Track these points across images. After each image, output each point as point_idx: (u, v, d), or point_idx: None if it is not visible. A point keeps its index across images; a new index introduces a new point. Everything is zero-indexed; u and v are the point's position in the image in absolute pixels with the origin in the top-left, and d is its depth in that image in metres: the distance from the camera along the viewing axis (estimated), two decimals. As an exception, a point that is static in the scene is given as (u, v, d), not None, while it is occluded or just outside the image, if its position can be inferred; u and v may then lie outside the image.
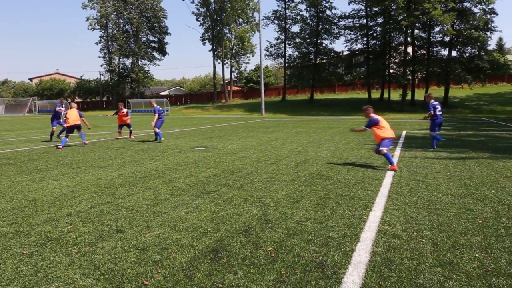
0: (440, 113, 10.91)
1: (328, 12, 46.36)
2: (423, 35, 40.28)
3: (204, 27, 58.07)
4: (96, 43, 76.55)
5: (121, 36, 62.17)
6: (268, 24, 74.59)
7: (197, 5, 56.59)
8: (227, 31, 57.15)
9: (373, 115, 7.93)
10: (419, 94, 39.15)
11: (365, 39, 42.79)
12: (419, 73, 41.86)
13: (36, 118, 42.67)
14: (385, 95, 43.70)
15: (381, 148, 7.71)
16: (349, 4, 79.74)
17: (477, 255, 3.45)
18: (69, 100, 67.60)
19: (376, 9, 40.98)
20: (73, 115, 12.12)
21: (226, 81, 60.47)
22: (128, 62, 66.38)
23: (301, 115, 37.59)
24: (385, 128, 7.77)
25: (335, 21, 46.04)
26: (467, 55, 38.36)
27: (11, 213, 4.81)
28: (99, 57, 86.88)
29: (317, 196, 5.58)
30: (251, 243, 3.76)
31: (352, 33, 43.52)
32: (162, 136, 13.53)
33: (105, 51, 64.61)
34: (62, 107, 14.86)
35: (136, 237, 3.95)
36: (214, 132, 17.68)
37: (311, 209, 4.89)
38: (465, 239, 3.84)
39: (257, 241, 3.82)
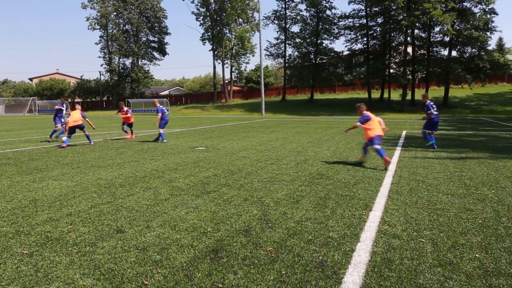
0: (436, 113, 11.17)
1: (328, 12, 46.46)
2: (423, 35, 40.27)
3: (204, 27, 58.14)
4: (96, 43, 76.77)
5: (121, 36, 62.22)
6: (268, 24, 74.82)
7: (197, 5, 56.72)
8: (227, 31, 57.19)
9: (365, 112, 8.34)
10: (419, 94, 39.00)
11: (365, 39, 42.75)
12: (419, 73, 41.87)
13: (36, 118, 42.64)
14: (385, 95, 43.73)
15: (374, 146, 8.11)
16: (349, 4, 79.71)
17: (477, 255, 3.45)
18: (69, 100, 67.72)
19: (376, 9, 40.94)
20: (75, 116, 12.27)
21: (226, 81, 60.48)
22: (128, 62, 66.64)
23: (301, 115, 37.58)
24: (375, 128, 8.20)
25: (335, 21, 46.06)
26: (467, 55, 38.37)
27: (11, 213, 4.81)
28: (99, 57, 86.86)
29: (317, 196, 5.58)
30: (251, 243, 3.76)
31: (352, 33, 43.49)
32: (165, 138, 13.44)
33: (105, 51, 64.72)
34: (63, 106, 15.05)
35: (136, 237, 3.95)
36: (214, 132, 17.68)
37: (311, 209, 4.89)
38: (465, 239, 3.85)
39: (257, 241, 3.82)
